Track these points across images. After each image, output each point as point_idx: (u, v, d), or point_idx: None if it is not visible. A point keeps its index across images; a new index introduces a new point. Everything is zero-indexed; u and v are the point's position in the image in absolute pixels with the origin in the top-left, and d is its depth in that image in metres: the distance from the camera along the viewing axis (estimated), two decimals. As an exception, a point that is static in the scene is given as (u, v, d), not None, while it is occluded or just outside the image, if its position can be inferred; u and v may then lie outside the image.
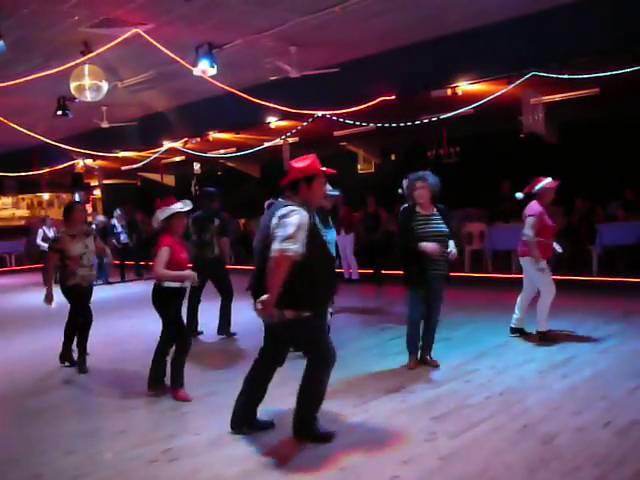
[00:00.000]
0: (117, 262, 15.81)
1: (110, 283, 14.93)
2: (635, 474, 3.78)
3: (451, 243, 6.22)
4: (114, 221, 16.10)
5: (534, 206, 7.12)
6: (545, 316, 7.11)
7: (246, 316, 9.11)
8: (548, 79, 9.75)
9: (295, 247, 4.07)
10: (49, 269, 7.13)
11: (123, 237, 15.76)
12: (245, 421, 4.73)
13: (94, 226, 14.96)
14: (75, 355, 7.08)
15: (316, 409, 4.50)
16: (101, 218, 15.68)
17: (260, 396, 4.73)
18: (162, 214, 5.62)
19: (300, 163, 4.55)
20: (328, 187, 6.44)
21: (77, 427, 5.21)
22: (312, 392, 4.49)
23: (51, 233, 15.46)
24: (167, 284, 5.64)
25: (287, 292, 4.15)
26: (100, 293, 14.00)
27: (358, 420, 4.90)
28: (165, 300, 5.70)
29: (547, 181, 7.17)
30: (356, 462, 4.14)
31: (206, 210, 8.19)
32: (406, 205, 6.35)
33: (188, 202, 5.75)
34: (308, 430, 4.49)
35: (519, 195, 7.34)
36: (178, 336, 5.78)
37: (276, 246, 4.11)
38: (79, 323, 6.99)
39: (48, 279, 7.07)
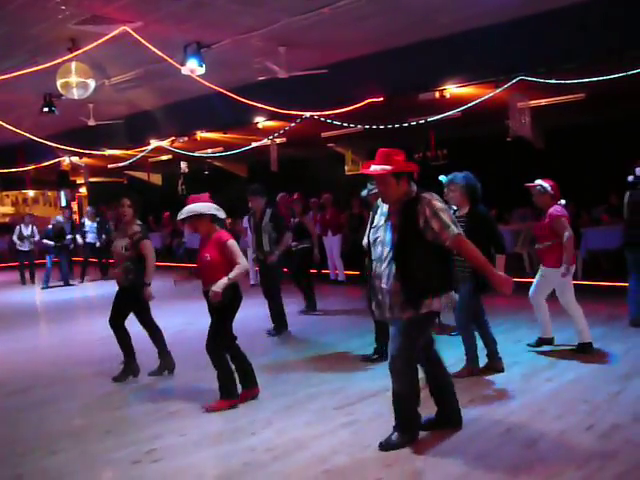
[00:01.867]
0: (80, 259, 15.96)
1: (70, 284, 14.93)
2: (617, 477, 3.81)
3: None
4: (84, 219, 16.27)
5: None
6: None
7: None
8: (535, 84, 9.80)
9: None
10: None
11: (92, 237, 15.73)
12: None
13: (50, 226, 14.94)
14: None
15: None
16: (59, 218, 15.54)
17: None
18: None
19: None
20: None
21: (61, 427, 5.18)
22: None
23: (28, 231, 15.39)
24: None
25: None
26: (75, 292, 14.11)
27: (342, 422, 4.91)
28: (236, 296, 5.45)
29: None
30: (340, 464, 4.14)
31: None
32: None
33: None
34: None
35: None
36: (227, 337, 5.53)
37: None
38: None
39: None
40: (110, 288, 6.83)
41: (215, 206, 5.48)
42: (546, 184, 6.90)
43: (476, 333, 6.31)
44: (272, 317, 8.42)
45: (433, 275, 4.24)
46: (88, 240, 15.80)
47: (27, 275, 15.79)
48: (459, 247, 4.26)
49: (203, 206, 5.43)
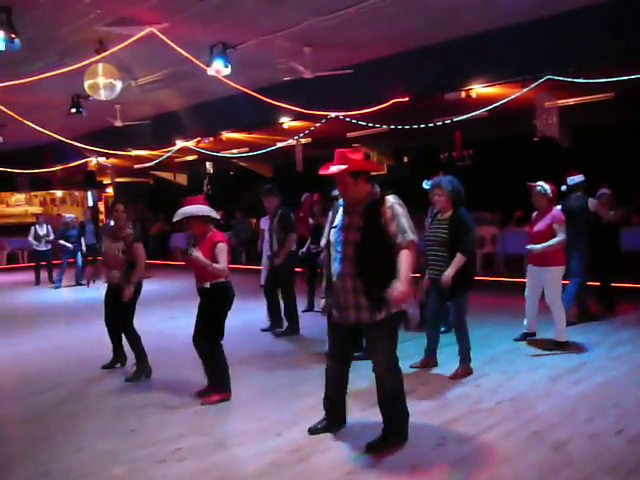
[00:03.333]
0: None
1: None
2: (647, 483, 3.75)
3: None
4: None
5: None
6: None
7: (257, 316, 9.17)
8: (563, 83, 9.67)
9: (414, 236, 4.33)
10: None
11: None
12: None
13: (64, 227, 15.08)
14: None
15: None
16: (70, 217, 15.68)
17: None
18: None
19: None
20: None
21: (86, 425, 5.22)
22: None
23: (43, 231, 15.55)
24: (222, 280, 5.65)
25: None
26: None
27: (368, 424, 4.88)
28: (227, 297, 5.71)
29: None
30: (365, 467, 4.12)
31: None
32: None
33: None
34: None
35: None
36: (219, 335, 5.73)
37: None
38: None
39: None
40: (147, 287, 6.90)
41: (208, 208, 5.75)
42: (547, 186, 7.11)
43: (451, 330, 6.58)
44: (286, 317, 8.56)
45: (396, 274, 4.19)
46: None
47: (44, 275, 15.75)
48: (402, 253, 4.22)
49: (197, 208, 5.68)
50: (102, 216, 25.22)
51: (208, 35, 9.46)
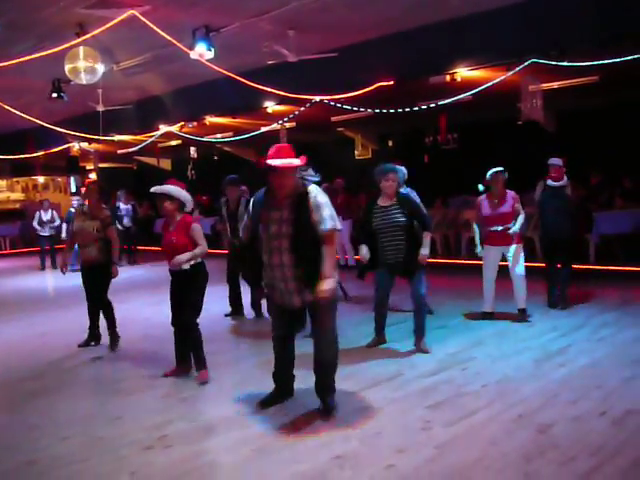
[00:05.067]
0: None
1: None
2: (631, 464, 3.79)
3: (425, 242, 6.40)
4: (119, 203, 16.09)
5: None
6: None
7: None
8: (547, 66, 9.67)
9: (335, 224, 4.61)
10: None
11: (127, 220, 15.74)
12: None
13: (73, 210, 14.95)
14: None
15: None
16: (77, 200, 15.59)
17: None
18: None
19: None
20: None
21: (73, 413, 5.19)
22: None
23: (47, 216, 15.42)
24: (200, 260, 5.79)
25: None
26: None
27: (354, 408, 4.90)
28: (204, 277, 5.84)
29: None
30: (352, 450, 4.13)
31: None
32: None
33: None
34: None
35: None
36: (196, 317, 5.84)
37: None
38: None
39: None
40: (132, 273, 6.94)
41: (188, 196, 5.87)
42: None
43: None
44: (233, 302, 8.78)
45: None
46: (125, 223, 15.69)
47: (48, 261, 15.70)
48: (325, 242, 4.50)
49: (177, 190, 5.79)
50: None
51: (191, 18, 9.37)
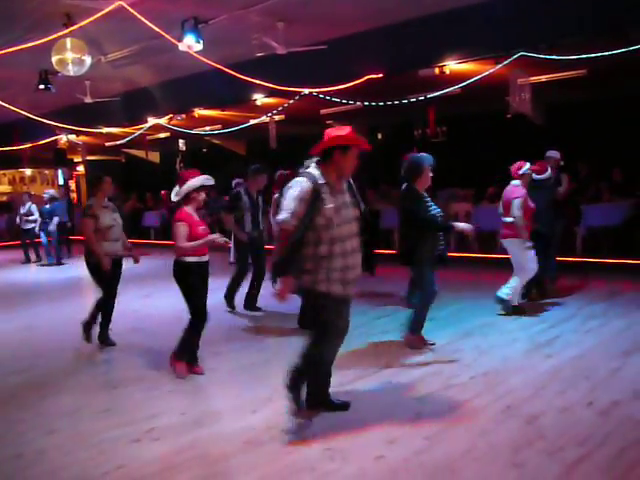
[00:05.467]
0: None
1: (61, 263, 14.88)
2: (617, 454, 3.82)
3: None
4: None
5: (517, 189, 7.40)
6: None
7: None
8: (536, 60, 9.69)
9: (283, 217, 4.31)
10: (90, 236, 6.75)
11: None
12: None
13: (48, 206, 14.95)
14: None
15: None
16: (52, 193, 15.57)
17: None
18: (188, 186, 5.62)
19: (338, 132, 4.44)
20: None
21: (59, 406, 5.17)
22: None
23: (24, 209, 15.35)
24: (187, 259, 5.60)
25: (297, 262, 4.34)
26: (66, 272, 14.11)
27: (343, 400, 4.90)
28: (185, 275, 5.64)
29: (528, 166, 7.53)
30: (341, 442, 4.14)
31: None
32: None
33: (210, 177, 5.74)
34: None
35: None
36: (194, 315, 5.70)
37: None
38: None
39: (95, 246, 6.76)
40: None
41: (201, 179, 5.69)
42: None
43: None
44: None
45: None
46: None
47: (33, 255, 15.69)
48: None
49: (199, 179, 5.67)
50: (73, 194, 24.85)
51: (179, 10, 9.31)
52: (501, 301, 7.47)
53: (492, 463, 3.77)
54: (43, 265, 14.92)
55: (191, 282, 5.63)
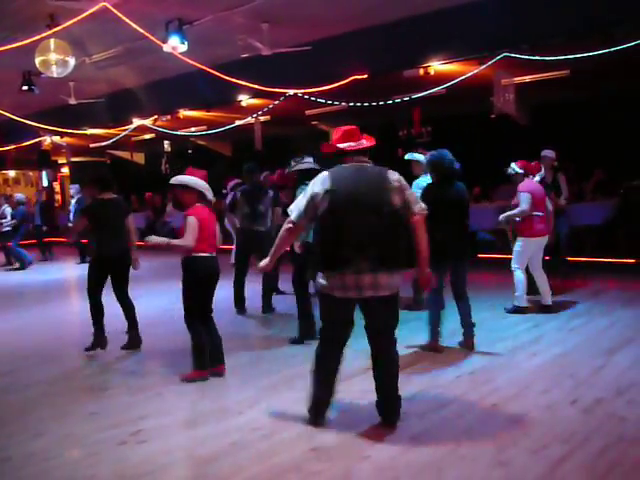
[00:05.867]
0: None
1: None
2: (600, 451, 3.86)
3: None
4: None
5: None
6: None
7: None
8: (519, 60, 9.77)
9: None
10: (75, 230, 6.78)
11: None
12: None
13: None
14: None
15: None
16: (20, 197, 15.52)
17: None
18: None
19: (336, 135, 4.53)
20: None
21: (46, 409, 5.14)
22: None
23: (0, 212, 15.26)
24: (193, 254, 5.51)
25: None
26: (57, 274, 14.05)
27: (329, 400, 4.92)
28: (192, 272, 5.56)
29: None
30: (328, 442, 4.15)
31: (253, 183, 8.45)
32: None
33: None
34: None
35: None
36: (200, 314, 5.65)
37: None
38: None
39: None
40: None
41: (206, 185, 5.61)
42: (514, 165, 7.66)
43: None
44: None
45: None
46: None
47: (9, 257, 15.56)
48: None
49: (193, 180, 5.56)
50: (58, 196, 24.71)
51: (163, 11, 9.30)
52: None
53: (477, 461, 3.80)
54: (9, 270, 14.80)
55: (184, 281, 5.60)
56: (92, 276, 6.70)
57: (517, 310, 7.50)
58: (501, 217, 7.63)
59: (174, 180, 5.59)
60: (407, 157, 7.84)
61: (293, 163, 6.73)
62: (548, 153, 8.95)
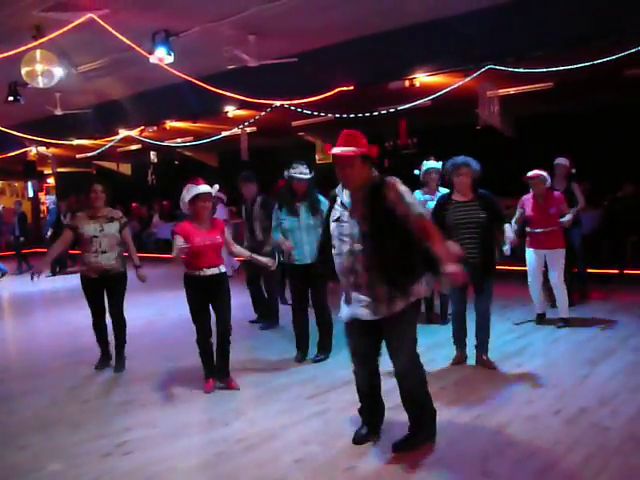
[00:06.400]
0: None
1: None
2: (583, 460, 3.89)
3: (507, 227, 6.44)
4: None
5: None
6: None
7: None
8: (504, 73, 9.86)
9: None
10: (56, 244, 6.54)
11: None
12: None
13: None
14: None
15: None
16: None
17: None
18: (188, 195, 5.50)
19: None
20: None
21: (30, 421, 5.11)
22: None
23: None
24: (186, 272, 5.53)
25: None
26: (39, 285, 13.95)
27: (314, 411, 4.92)
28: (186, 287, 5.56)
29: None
30: (312, 453, 4.16)
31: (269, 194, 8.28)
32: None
33: (217, 186, 5.68)
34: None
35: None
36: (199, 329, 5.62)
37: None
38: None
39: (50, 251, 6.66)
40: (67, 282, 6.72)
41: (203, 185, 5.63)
42: (545, 174, 7.44)
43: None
44: (260, 308, 8.44)
45: (414, 260, 3.98)
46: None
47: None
48: (422, 228, 3.91)
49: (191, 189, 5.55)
50: (43, 207, 24.59)
51: (150, 22, 9.30)
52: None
53: (462, 471, 3.82)
54: None
55: (187, 295, 5.58)
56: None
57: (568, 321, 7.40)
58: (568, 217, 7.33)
59: (215, 192, 5.64)
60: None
61: (292, 170, 6.67)
62: (562, 161, 8.69)
